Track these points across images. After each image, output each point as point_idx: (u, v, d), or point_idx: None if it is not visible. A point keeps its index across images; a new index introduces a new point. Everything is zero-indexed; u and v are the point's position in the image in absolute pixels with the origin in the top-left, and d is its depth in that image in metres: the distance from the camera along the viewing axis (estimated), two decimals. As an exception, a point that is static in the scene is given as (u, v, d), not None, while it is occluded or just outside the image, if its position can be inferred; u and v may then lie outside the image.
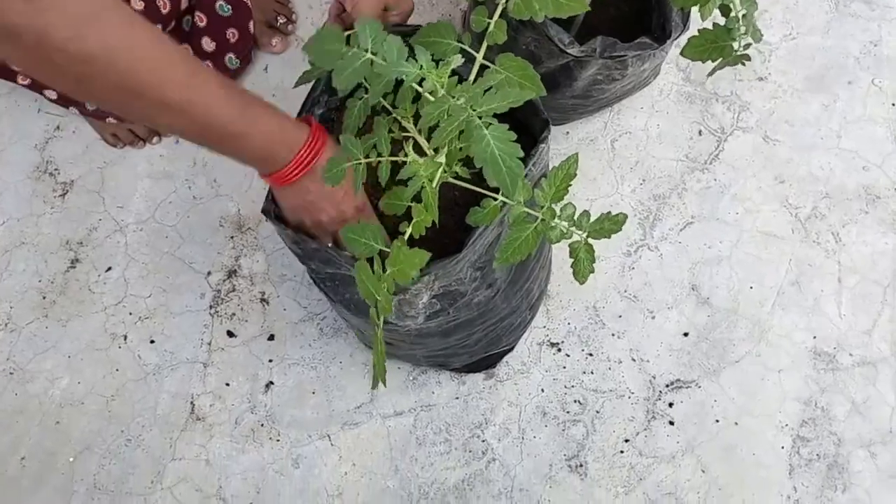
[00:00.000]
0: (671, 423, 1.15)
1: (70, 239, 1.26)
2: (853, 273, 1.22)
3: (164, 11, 1.20)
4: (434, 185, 0.80)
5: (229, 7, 1.27)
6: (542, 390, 1.17)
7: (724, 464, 1.13)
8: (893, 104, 1.31)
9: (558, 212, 0.80)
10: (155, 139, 1.31)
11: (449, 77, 0.80)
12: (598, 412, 1.15)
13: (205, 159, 1.30)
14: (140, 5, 1.16)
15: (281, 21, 1.35)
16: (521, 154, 0.72)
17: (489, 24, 0.83)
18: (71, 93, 0.73)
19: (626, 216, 0.80)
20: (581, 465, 1.13)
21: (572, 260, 0.81)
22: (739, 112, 1.31)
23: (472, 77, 0.84)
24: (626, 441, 1.14)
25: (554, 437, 1.14)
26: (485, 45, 0.84)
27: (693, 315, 1.20)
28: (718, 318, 1.20)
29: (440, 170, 0.80)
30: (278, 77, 1.35)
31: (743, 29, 0.84)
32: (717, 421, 1.15)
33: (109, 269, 1.25)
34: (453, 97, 0.76)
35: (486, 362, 1.16)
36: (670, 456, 1.14)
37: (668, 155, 1.29)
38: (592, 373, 1.18)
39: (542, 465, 1.13)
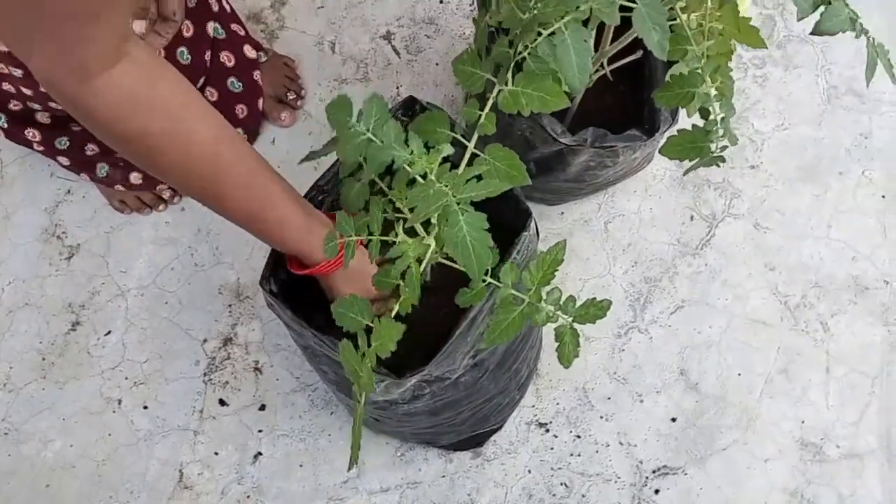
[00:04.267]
0: (657, 509, 1.15)
1: (73, 301, 1.29)
2: (841, 363, 1.22)
3: None
4: (422, 266, 0.83)
5: (240, 84, 1.32)
6: (529, 471, 1.17)
7: (709, 553, 1.12)
8: (883, 196, 1.34)
9: (545, 296, 0.82)
10: (161, 206, 1.35)
11: (442, 163, 0.83)
12: (583, 496, 1.15)
13: (209, 227, 1.33)
14: None
15: (290, 96, 1.40)
16: (491, 244, 0.75)
17: (480, 115, 0.86)
18: (141, 167, 0.77)
19: (610, 302, 0.82)
20: (565, 549, 1.13)
21: (557, 343, 0.83)
22: (731, 199, 1.34)
23: (462, 165, 0.87)
24: (612, 526, 1.14)
25: (539, 519, 1.14)
26: (476, 135, 0.88)
27: (681, 400, 1.21)
28: (707, 405, 1.20)
29: (430, 251, 0.82)
30: (285, 150, 1.40)
31: (721, 132, 0.87)
32: (703, 509, 1.15)
33: (109, 332, 1.28)
34: (440, 183, 0.79)
35: (474, 440, 1.17)
36: (655, 543, 1.13)
37: (661, 238, 1.31)
38: (580, 455, 1.18)
39: (526, 548, 1.13)
